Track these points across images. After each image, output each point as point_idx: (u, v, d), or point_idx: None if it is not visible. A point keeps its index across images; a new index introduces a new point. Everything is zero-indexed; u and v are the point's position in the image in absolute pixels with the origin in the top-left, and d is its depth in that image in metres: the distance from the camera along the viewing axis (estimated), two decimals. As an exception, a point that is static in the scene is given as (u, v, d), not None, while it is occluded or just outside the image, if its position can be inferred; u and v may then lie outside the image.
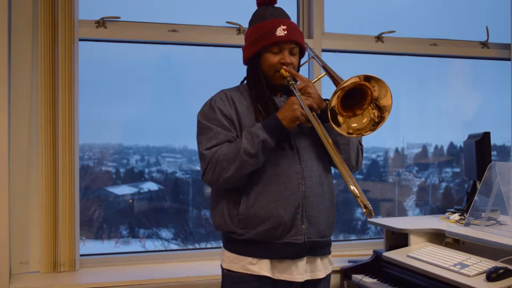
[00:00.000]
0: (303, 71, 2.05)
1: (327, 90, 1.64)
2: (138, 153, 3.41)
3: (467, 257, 2.24)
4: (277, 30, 1.84)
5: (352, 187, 1.58)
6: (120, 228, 3.35)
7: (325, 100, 1.84)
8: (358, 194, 1.57)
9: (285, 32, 1.84)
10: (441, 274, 2.15)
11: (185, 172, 3.46)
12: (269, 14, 1.89)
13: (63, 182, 2.60)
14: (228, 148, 1.76)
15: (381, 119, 1.67)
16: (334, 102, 1.61)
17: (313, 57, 2.15)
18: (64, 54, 2.60)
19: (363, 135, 1.72)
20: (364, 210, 1.56)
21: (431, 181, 3.87)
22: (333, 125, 1.62)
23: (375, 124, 1.68)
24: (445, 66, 3.73)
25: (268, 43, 1.84)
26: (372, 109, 1.67)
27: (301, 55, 1.96)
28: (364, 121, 1.68)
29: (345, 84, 1.60)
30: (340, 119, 1.66)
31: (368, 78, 1.62)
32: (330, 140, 1.68)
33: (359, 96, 1.66)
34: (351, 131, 1.68)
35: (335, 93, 1.61)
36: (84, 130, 2.78)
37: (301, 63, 2.00)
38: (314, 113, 1.73)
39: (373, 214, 1.57)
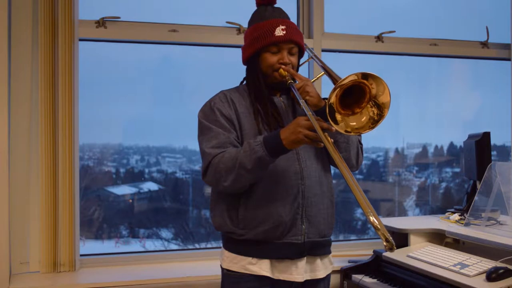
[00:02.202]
0: (303, 72, 2.05)
1: (327, 89, 1.62)
2: (138, 153, 3.41)
3: (467, 257, 2.24)
4: (276, 30, 1.84)
5: (372, 218, 1.45)
6: (120, 228, 3.36)
7: (324, 99, 1.84)
8: (379, 227, 1.44)
9: (284, 32, 1.84)
10: (441, 274, 2.15)
11: (185, 172, 3.46)
12: (268, 14, 1.89)
13: (63, 182, 2.60)
14: (229, 156, 1.73)
15: (380, 116, 1.65)
16: (332, 99, 1.60)
17: (312, 57, 2.14)
18: (64, 54, 2.60)
19: (361, 133, 1.70)
20: (385, 244, 1.44)
21: (431, 181, 3.87)
22: (331, 122, 1.61)
23: (374, 122, 1.66)
24: (445, 66, 3.73)
25: (267, 43, 1.84)
26: (371, 107, 1.65)
27: (300, 55, 1.95)
28: (363, 119, 1.66)
29: (343, 82, 1.59)
30: (338, 116, 1.64)
31: (365, 76, 1.61)
32: (339, 155, 1.60)
33: (357, 95, 1.65)
34: (349, 129, 1.65)
35: (333, 90, 1.59)
36: (84, 130, 2.78)
37: (300, 63, 1.99)
38: (326, 134, 1.62)
39: (395, 248, 1.45)
